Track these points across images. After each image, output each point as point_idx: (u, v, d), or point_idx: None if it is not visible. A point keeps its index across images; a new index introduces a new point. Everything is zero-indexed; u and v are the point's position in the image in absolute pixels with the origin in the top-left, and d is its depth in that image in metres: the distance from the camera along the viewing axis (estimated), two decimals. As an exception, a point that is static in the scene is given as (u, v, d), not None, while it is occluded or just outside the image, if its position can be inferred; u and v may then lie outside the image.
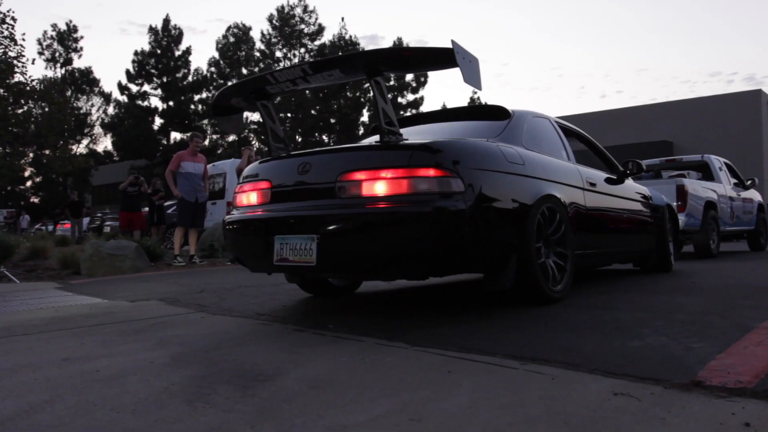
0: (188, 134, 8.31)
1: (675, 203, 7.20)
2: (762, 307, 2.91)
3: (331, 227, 2.79)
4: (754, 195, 9.55)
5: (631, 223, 4.59)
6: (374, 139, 3.57)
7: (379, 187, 2.72)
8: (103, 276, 6.43)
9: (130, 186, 11.79)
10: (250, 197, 3.31)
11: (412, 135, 3.40)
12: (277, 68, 3.10)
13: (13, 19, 15.65)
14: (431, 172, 2.64)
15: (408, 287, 4.47)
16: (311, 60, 3.15)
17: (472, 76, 2.77)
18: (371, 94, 3.20)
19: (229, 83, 3.34)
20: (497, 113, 3.69)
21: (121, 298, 4.32)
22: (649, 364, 1.93)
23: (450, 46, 2.66)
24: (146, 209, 13.08)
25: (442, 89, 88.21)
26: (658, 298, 3.32)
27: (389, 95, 2.95)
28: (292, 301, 3.84)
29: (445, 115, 4.27)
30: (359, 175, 2.78)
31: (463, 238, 2.66)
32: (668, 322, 2.56)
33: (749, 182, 9.58)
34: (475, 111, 4.15)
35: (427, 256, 2.69)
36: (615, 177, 4.44)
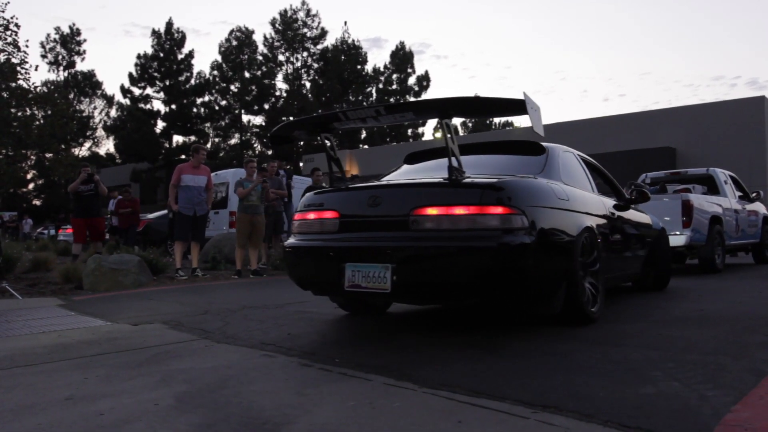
0: (193, 145, 7.95)
1: (681, 218, 7.17)
2: (773, 344, 2.87)
3: (406, 257, 3.00)
4: (759, 207, 9.51)
5: (637, 246, 4.84)
6: (420, 167, 4.07)
7: (452, 222, 2.94)
8: (105, 291, 6.40)
9: (82, 184, 8.86)
10: (315, 225, 3.46)
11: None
12: (350, 108, 3.47)
13: (17, 25, 15.65)
14: (499, 209, 2.90)
15: (414, 310, 4.44)
16: (387, 103, 3.53)
17: (538, 124, 3.08)
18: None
19: (298, 117, 3.83)
20: (531, 148, 3.90)
21: (123, 321, 4.29)
22: (663, 416, 1.90)
23: (521, 97, 2.94)
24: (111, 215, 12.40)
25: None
26: (667, 331, 3.29)
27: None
28: (296, 327, 3.80)
29: (482, 147, 4.38)
30: (432, 210, 2.99)
31: (526, 268, 2.93)
32: (680, 363, 2.52)
33: (754, 195, 9.54)
34: (510, 145, 4.36)
35: (494, 285, 2.95)
36: (622, 204, 4.64)
